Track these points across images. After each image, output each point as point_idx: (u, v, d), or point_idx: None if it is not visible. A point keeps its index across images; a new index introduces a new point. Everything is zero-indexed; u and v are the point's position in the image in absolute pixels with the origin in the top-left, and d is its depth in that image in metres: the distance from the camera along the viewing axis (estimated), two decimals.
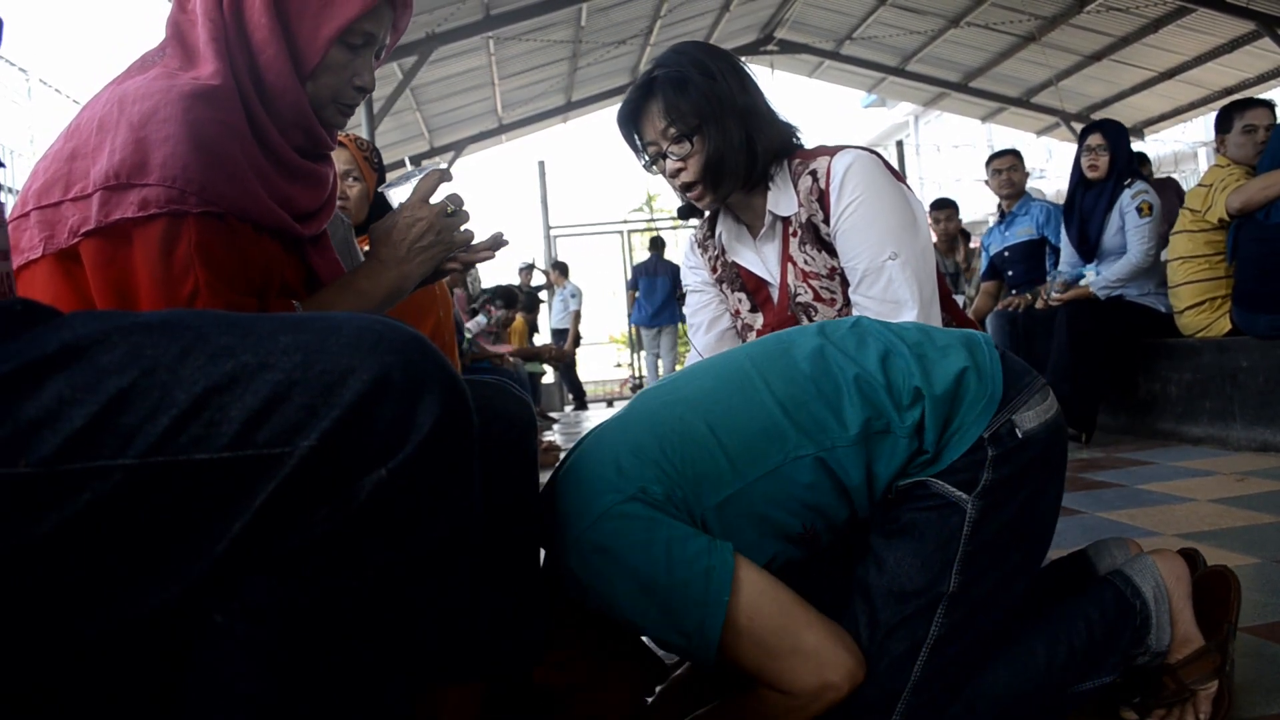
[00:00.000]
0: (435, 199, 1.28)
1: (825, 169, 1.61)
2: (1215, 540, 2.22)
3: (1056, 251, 4.53)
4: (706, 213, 1.81)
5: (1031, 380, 1.19)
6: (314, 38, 1.16)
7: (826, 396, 1.16)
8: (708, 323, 1.85)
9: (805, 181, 1.63)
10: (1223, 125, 3.81)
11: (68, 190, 1.05)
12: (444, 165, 1.35)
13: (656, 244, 10.40)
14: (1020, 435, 1.15)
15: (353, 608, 0.75)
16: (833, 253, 1.62)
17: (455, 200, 1.27)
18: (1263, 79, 11.02)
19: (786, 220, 1.67)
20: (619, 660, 1.25)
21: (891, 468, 1.15)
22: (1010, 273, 4.88)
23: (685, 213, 1.76)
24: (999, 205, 4.96)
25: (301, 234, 1.19)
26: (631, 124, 1.66)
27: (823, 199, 1.61)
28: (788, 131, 1.67)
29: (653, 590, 1.10)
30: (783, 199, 1.66)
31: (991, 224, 5.19)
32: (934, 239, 5.60)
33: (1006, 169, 4.81)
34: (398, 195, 1.26)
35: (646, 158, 1.68)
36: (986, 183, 4.93)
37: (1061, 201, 4.44)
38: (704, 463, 1.15)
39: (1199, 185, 3.83)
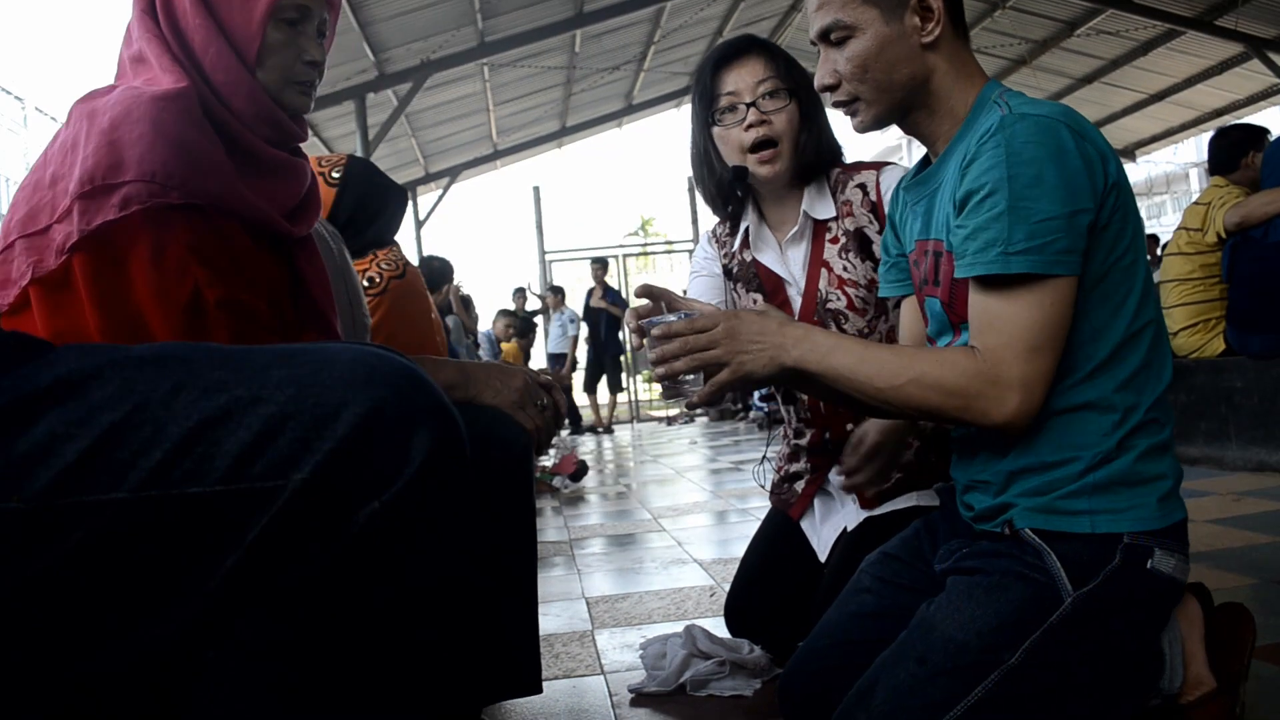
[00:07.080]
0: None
1: (874, 182, 1.68)
2: (1213, 561, 2.22)
3: None
4: (727, 212, 1.81)
5: (1186, 540, 1.18)
6: (247, 23, 1.16)
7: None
8: None
9: (854, 193, 1.69)
10: (1255, 144, 3.74)
11: (53, 214, 1.03)
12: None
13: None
14: (1149, 567, 1.12)
15: (348, 641, 0.74)
16: (875, 266, 1.65)
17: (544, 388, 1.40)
18: (1252, 100, 11.12)
19: (822, 225, 1.71)
20: None
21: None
22: None
23: (732, 185, 1.74)
24: None
25: (291, 232, 1.18)
26: (716, 70, 1.69)
27: (875, 210, 1.67)
28: (838, 145, 1.75)
29: (1034, 190, 1.06)
30: (819, 203, 1.71)
31: None
32: None
33: None
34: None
35: (721, 106, 1.69)
36: None
37: None
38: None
39: (1196, 203, 3.80)
